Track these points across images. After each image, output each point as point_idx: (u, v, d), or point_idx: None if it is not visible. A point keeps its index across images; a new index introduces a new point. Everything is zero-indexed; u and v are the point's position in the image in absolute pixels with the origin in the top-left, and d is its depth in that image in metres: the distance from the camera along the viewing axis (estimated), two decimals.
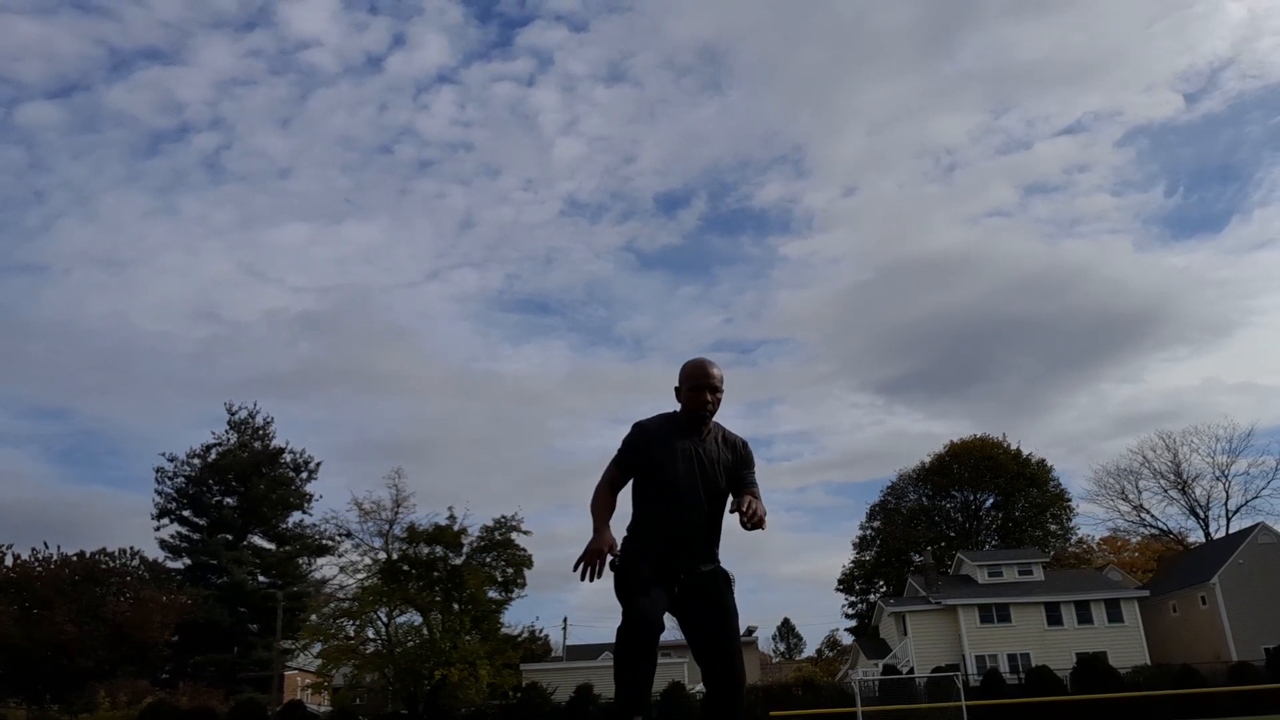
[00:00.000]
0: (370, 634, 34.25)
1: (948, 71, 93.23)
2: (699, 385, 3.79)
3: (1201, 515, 59.56)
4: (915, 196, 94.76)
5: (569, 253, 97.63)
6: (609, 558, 3.60)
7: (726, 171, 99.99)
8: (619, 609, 3.63)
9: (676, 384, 3.86)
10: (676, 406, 3.95)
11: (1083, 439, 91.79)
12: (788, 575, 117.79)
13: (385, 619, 33.89)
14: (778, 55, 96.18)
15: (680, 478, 3.73)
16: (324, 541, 50.93)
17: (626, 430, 3.89)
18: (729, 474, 3.82)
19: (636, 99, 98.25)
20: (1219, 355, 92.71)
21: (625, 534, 3.80)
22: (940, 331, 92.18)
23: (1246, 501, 58.49)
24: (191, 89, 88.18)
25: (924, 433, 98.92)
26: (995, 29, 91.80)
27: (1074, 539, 65.69)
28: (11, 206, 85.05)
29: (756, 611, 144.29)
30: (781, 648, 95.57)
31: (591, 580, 3.57)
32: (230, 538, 53.70)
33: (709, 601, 3.74)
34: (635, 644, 3.49)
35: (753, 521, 3.52)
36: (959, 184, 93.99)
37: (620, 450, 3.84)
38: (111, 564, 45.87)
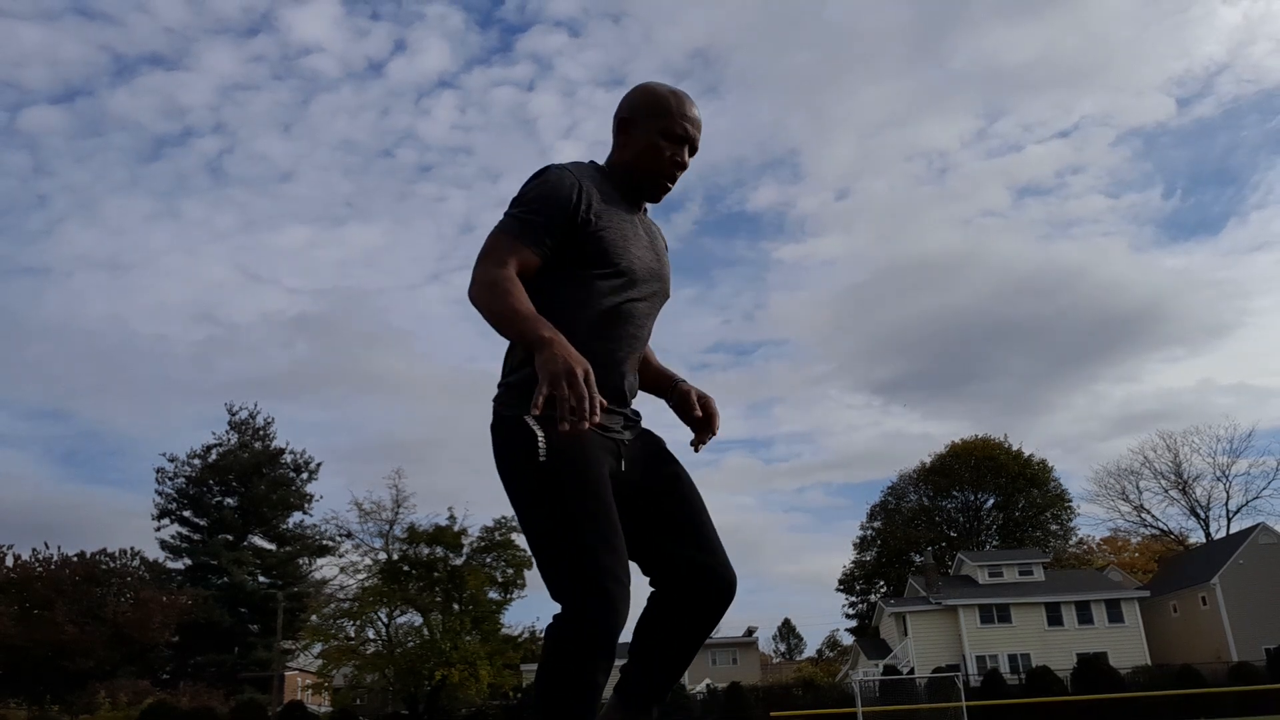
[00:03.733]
0: (371, 634, 34.27)
1: (940, 75, 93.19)
2: (680, 134, 2.31)
3: (1202, 515, 59.64)
4: (908, 199, 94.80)
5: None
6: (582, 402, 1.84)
7: (721, 174, 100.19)
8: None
9: (625, 115, 2.32)
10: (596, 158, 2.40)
11: (1079, 440, 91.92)
12: (788, 575, 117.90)
13: (386, 619, 33.90)
14: (770, 60, 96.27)
15: (639, 265, 2.28)
16: (324, 542, 50.87)
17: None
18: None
19: None
20: (1215, 356, 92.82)
21: (517, 370, 2.18)
22: (936, 332, 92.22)
23: (1247, 502, 58.63)
24: (194, 94, 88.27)
25: (920, 433, 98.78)
26: (988, 32, 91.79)
27: (1074, 539, 65.81)
28: (15, 210, 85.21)
29: (756, 612, 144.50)
30: (782, 648, 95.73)
31: (587, 421, 1.83)
32: (231, 538, 53.71)
33: (670, 473, 2.30)
34: (602, 649, 1.99)
35: (712, 435, 2.40)
36: (952, 186, 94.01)
37: (530, 207, 2.16)
38: (112, 564, 45.89)
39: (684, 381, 2.51)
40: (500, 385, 2.24)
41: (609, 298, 2.21)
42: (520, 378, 2.16)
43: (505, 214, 2.19)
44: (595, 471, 2.08)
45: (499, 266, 2.08)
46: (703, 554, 2.22)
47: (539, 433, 2.05)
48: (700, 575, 2.21)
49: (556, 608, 2.03)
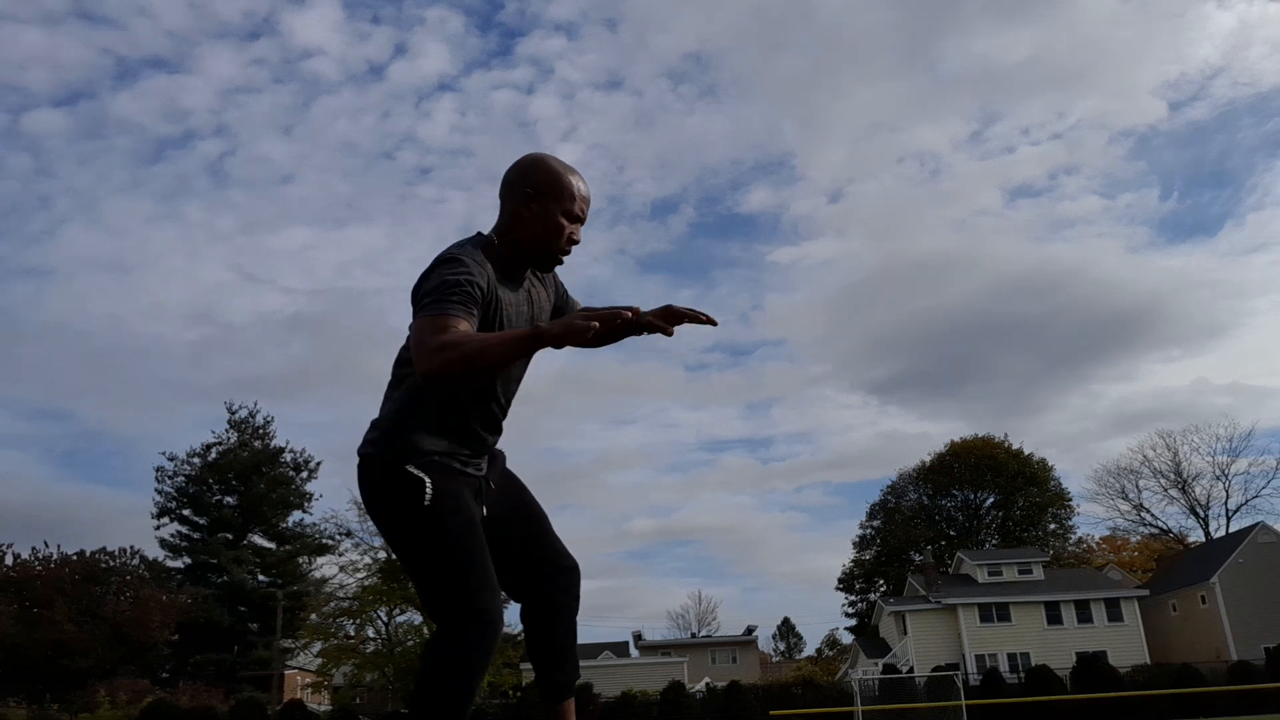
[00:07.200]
0: (370, 633, 34.29)
1: (932, 77, 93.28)
2: (579, 215, 2.47)
3: (1201, 515, 59.67)
4: (902, 200, 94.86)
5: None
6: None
7: (717, 176, 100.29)
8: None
9: (530, 190, 2.42)
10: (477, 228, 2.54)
11: (1075, 439, 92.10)
12: (787, 575, 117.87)
13: (385, 618, 33.91)
14: (763, 63, 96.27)
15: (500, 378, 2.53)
16: (324, 541, 51.03)
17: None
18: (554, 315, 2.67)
19: (634, 107, 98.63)
20: (1211, 356, 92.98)
21: (399, 427, 2.41)
22: (932, 332, 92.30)
23: (1246, 501, 58.65)
24: (196, 97, 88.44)
25: (918, 433, 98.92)
26: (980, 35, 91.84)
27: (1074, 538, 65.84)
28: (18, 212, 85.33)
29: (756, 611, 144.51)
30: (781, 647, 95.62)
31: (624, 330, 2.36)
32: (230, 537, 53.68)
33: (520, 502, 2.67)
34: (481, 661, 2.34)
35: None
36: (945, 188, 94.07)
37: (462, 290, 2.25)
38: (111, 563, 45.87)
39: (624, 311, 2.38)
40: (375, 429, 2.47)
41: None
42: (394, 425, 2.41)
43: (426, 300, 2.23)
44: (469, 512, 2.39)
45: (443, 332, 2.14)
46: (548, 555, 2.61)
47: (426, 479, 2.34)
48: (550, 570, 2.59)
49: None
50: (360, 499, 2.53)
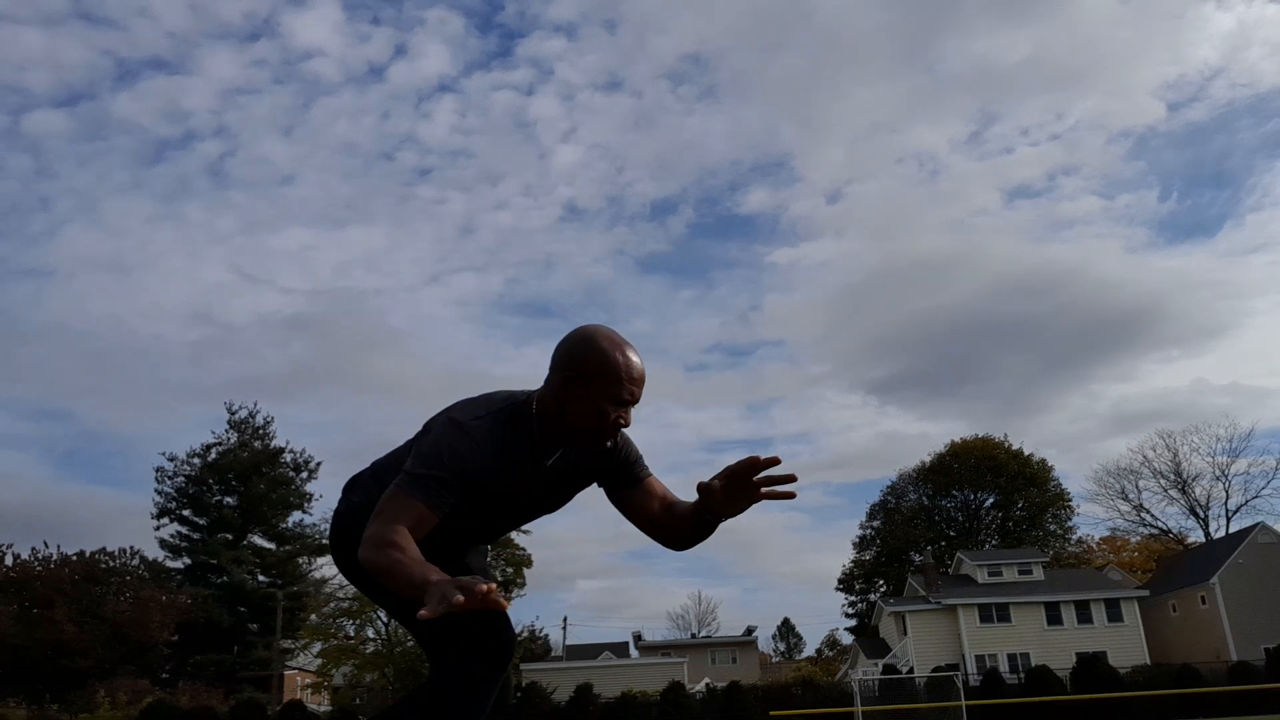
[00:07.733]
0: (370, 634, 34.31)
1: (933, 77, 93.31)
2: (627, 399, 2.24)
3: (1201, 515, 59.68)
4: (900, 201, 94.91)
5: (569, 257, 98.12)
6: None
7: (716, 177, 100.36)
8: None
9: (571, 374, 2.22)
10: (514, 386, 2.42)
11: (1076, 439, 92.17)
12: (787, 575, 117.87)
13: (385, 619, 33.93)
14: (762, 64, 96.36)
15: (509, 512, 2.41)
16: (324, 541, 50.97)
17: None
18: (593, 479, 2.49)
19: (633, 108, 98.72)
20: (1211, 357, 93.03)
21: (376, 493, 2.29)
22: (931, 332, 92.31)
23: (1246, 501, 58.63)
24: (196, 98, 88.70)
25: (917, 433, 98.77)
26: (979, 35, 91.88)
27: (1074, 539, 65.86)
28: (18, 212, 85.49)
29: (756, 611, 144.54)
30: (781, 647, 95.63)
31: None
32: (230, 537, 53.70)
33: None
34: (488, 684, 2.25)
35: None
36: (944, 188, 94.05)
37: (433, 476, 2.15)
38: (111, 564, 45.85)
39: (701, 494, 2.42)
40: (355, 486, 2.54)
41: (464, 524, 2.34)
42: (371, 487, 2.41)
43: (406, 471, 2.18)
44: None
45: (385, 525, 2.08)
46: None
47: None
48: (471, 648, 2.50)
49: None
50: (332, 556, 2.55)
